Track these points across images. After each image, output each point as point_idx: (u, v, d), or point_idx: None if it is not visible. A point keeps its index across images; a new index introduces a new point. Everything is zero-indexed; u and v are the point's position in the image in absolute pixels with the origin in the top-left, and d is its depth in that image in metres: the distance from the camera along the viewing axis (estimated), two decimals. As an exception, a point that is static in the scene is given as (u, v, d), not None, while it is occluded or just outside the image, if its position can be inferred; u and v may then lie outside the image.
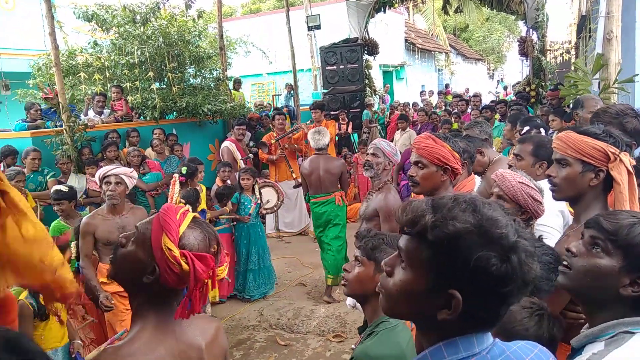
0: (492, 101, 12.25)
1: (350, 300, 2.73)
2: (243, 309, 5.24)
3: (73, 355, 3.26)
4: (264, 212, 5.95)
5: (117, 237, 3.41)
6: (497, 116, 7.90)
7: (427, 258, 0.92)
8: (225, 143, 7.13)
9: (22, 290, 3.14)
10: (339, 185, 5.41)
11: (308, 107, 8.92)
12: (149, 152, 6.93)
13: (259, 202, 5.58)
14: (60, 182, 5.50)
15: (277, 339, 4.60)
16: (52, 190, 4.49)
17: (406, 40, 21.08)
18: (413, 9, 24.60)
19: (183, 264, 1.19)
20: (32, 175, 5.48)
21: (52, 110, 6.97)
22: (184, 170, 4.97)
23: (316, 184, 5.33)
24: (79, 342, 3.33)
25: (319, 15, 11.68)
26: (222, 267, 1.29)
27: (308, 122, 7.70)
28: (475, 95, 10.86)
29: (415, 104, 14.13)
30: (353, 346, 3.00)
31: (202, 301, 1.25)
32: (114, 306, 3.54)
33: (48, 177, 5.64)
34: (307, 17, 11.95)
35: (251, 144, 8.04)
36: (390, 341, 1.68)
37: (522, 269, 0.89)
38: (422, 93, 17.64)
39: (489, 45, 31.62)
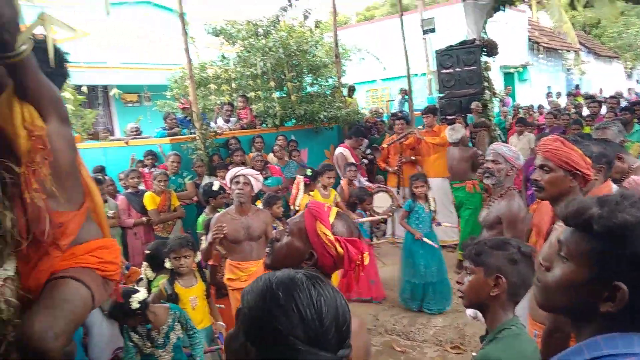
0: (630, 102, 11.07)
1: (470, 311, 2.67)
2: (359, 311, 5.30)
3: (216, 335, 3.55)
4: (377, 217, 5.90)
5: (243, 235, 3.71)
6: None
7: (591, 250, 0.94)
8: (339, 149, 7.31)
9: (161, 277, 3.54)
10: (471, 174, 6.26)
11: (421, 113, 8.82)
12: (270, 157, 7.34)
13: (432, 210, 5.18)
14: (196, 185, 6.09)
15: (393, 345, 4.58)
16: (206, 187, 4.93)
17: (530, 39, 19.84)
18: (537, 6, 23.09)
19: (338, 247, 1.36)
20: (173, 177, 6.11)
21: (187, 118, 7.70)
22: (308, 172, 5.18)
23: (451, 172, 6.46)
24: (222, 323, 3.55)
25: (433, 18, 11.47)
26: (365, 253, 1.44)
27: (419, 127, 7.60)
28: (612, 97, 9.83)
29: (540, 107, 13.24)
30: (474, 353, 2.92)
31: (357, 281, 1.41)
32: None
33: (186, 179, 6.25)
34: (421, 20, 11.79)
35: (368, 151, 8.11)
36: (513, 348, 1.64)
37: None
38: (548, 95, 16.49)
39: (625, 41, 28.51)
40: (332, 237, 1.39)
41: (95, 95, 12.02)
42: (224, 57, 9.37)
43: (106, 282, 1.87)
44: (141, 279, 3.62)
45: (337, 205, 5.23)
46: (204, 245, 3.97)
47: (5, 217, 1.53)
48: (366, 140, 8.37)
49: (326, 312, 0.89)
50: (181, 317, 3.07)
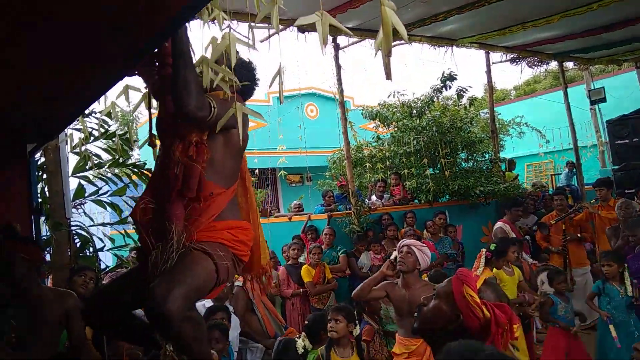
0: None
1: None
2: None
3: None
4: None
5: (405, 309, 3.64)
6: None
7: None
8: (499, 224, 6.96)
9: (316, 351, 3.67)
10: None
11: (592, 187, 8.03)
12: (425, 234, 7.29)
13: (630, 296, 4.36)
14: (354, 257, 6.32)
15: None
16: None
17: None
18: None
19: (484, 310, 1.42)
20: (327, 251, 6.42)
21: (343, 195, 8.14)
22: (492, 246, 4.93)
23: None
24: None
25: (603, 87, 10.72)
26: (516, 325, 1.49)
27: (592, 200, 6.90)
28: None
29: None
30: None
31: (504, 347, 1.41)
32: None
33: (340, 253, 6.52)
34: (589, 91, 11.10)
35: (534, 227, 7.55)
36: None
37: None
38: None
39: None
40: (478, 300, 1.44)
41: (265, 177, 13.41)
42: (379, 137, 9.85)
43: (236, 261, 2.05)
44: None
45: (519, 285, 4.86)
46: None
47: None
48: (534, 217, 7.83)
49: None
50: None
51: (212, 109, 1.94)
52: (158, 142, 2.17)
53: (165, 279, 1.77)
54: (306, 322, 3.85)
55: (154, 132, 2.19)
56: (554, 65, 11.94)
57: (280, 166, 11.64)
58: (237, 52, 1.98)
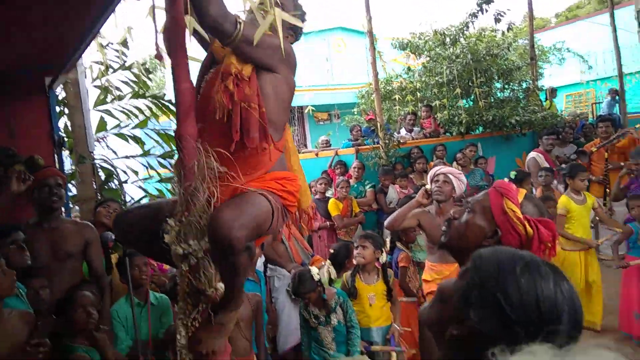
0: None
1: None
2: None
3: (388, 337, 3.53)
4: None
5: (438, 236, 3.54)
6: None
7: None
8: (532, 154, 6.63)
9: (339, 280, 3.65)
10: None
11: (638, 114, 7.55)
12: (455, 165, 7.07)
13: None
14: (383, 192, 6.22)
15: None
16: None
17: None
18: None
19: (527, 226, 1.29)
20: (355, 185, 6.32)
21: (371, 129, 7.92)
22: (512, 174, 4.85)
23: None
24: (396, 325, 3.55)
25: (655, 7, 9.84)
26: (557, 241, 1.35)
27: (637, 125, 6.47)
28: None
29: None
30: None
31: None
32: None
33: (367, 187, 6.41)
34: (637, 12, 10.21)
35: (573, 156, 7.21)
36: None
37: None
38: None
39: None
40: (520, 215, 1.31)
41: (293, 115, 13.24)
42: (409, 69, 9.43)
43: (284, 210, 1.98)
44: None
45: (597, 213, 4.74)
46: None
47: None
48: (573, 145, 7.48)
49: (560, 306, 0.83)
50: (344, 304, 3.25)
51: (238, 24, 1.76)
52: (164, 55, 2.03)
53: (229, 206, 1.72)
54: (332, 251, 3.83)
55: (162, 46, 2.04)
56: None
57: (307, 104, 11.43)
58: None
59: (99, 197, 3.92)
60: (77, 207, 4.09)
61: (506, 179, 4.45)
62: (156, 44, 2.04)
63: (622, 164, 6.09)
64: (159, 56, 2.01)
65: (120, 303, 3.00)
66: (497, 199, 1.36)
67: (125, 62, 4.07)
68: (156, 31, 2.06)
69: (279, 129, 2.01)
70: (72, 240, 2.99)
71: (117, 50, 4.02)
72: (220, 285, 1.92)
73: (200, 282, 1.88)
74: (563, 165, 6.74)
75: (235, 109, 1.80)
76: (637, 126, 6.40)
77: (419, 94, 8.69)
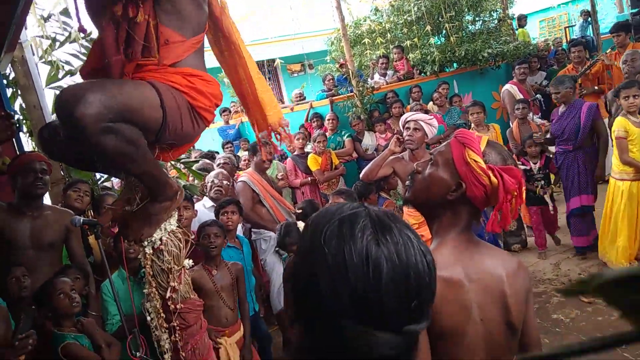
0: None
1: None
2: (537, 261, 4.84)
3: None
4: None
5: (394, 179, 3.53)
6: None
7: None
8: (506, 86, 6.53)
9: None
10: None
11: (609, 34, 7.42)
12: (430, 106, 6.98)
13: None
14: (358, 140, 6.12)
15: (580, 295, 4.02)
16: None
17: None
18: None
19: (491, 176, 1.21)
20: (332, 136, 6.21)
21: (344, 77, 7.72)
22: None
23: None
24: None
25: None
26: (523, 189, 1.28)
27: (608, 50, 6.37)
28: None
29: None
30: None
31: (513, 215, 1.24)
32: None
33: (345, 137, 6.31)
34: None
35: (544, 83, 7.14)
36: None
37: None
38: None
39: None
40: (483, 165, 1.23)
41: (263, 70, 12.85)
42: (377, 10, 9.11)
43: (195, 114, 1.82)
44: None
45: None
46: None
47: None
48: (543, 73, 7.40)
49: (387, 273, 0.67)
50: None
51: None
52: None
53: (88, 85, 1.52)
54: (299, 210, 3.78)
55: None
56: None
57: (276, 56, 11.06)
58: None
59: (67, 179, 3.77)
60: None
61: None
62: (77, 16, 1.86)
63: (596, 88, 6.08)
64: (81, 29, 1.85)
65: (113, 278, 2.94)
66: (458, 150, 1.27)
67: (70, 33, 3.80)
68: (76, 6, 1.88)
69: (190, 25, 1.84)
70: (53, 228, 2.87)
71: (61, 22, 3.75)
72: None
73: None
74: (538, 96, 6.69)
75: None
76: (607, 51, 6.30)
77: (389, 34, 8.42)
